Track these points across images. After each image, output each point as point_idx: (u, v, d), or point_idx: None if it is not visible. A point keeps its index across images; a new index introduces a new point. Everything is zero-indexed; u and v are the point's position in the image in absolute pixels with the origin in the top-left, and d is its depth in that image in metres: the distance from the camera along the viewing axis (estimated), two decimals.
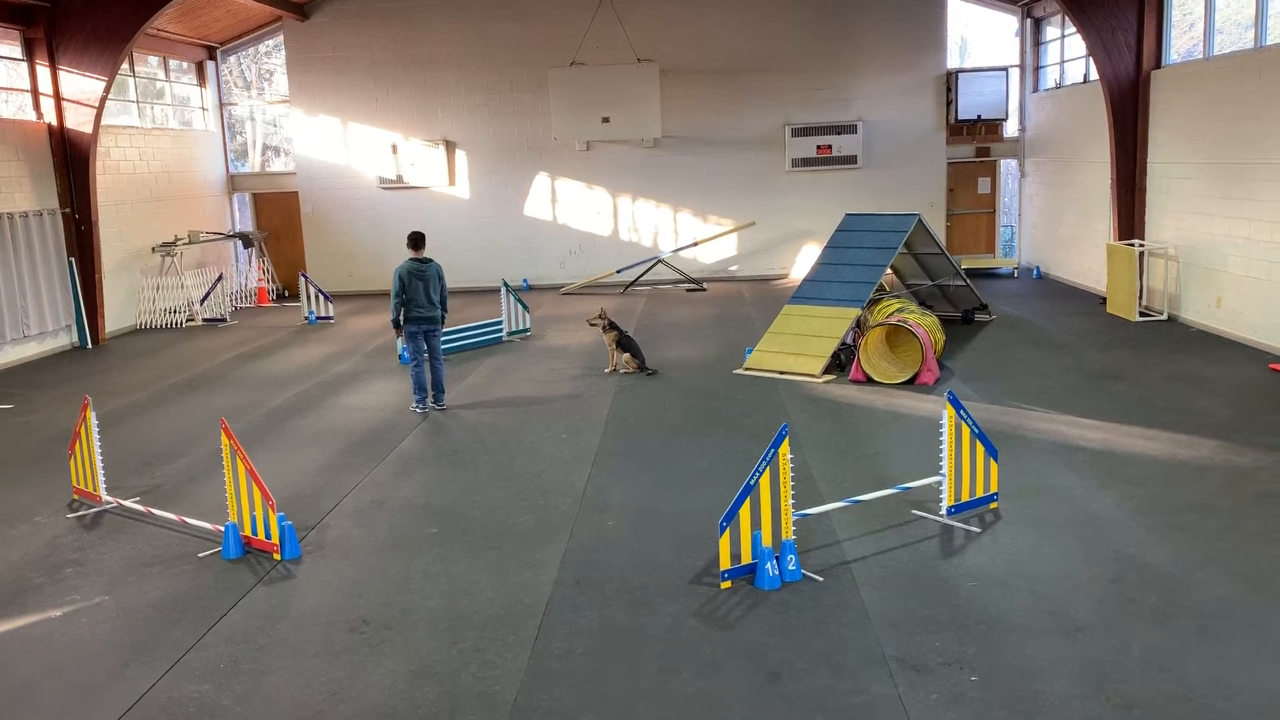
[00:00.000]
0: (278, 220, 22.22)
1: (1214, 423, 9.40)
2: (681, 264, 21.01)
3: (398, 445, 9.78)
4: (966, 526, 7.07)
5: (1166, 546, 6.64)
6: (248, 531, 7.09)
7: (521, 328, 15.62)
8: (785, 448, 6.31)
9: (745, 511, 6.21)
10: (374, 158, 21.55)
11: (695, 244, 21.21)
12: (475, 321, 15.38)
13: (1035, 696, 4.88)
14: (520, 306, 15.73)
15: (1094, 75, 16.43)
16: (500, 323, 15.30)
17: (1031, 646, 5.39)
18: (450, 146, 21.57)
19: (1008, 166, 22.01)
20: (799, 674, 5.20)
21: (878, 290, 13.40)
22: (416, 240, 10.77)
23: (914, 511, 7.33)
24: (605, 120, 20.82)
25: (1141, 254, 14.97)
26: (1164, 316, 14.67)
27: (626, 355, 12.57)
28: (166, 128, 20.12)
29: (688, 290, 20.30)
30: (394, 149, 21.46)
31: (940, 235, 19.34)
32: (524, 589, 6.33)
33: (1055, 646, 5.37)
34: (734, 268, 21.76)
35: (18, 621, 6.19)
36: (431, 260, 10.68)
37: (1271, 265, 12.18)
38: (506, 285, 15.61)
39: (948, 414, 7.02)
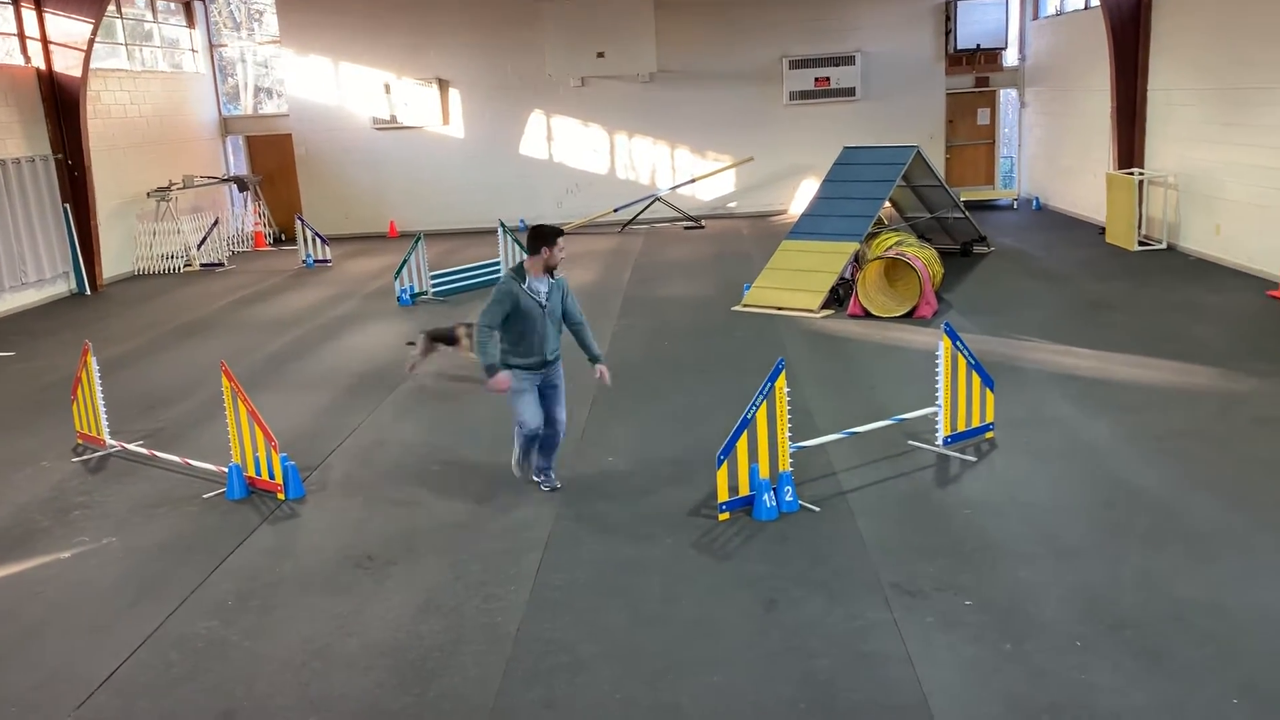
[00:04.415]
0: (272, 163, 22.05)
1: (1210, 350, 9.43)
2: (679, 201, 20.89)
3: (398, 386, 9.84)
4: (962, 456, 7.14)
5: (1159, 472, 6.72)
6: (251, 472, 7.16)
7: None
8: (782, 381, 6.34)
9: (743, 445, 6.26)
10: (367, 98, 21.32)
11: (693, 181, 21.07)
12: (474, 262, 15.33)
13: (1028, 619, 4.98)
14: (518, 246, 15.69)
15: (1095, 1, 16.16)
16: (498, 263, 15.26)
17: (1025, 571, 5.48)
18: (444, 85, 21.32)
19: (1007, 96, 21.77)
20: (795, 601, 5.29)
21: (876, 224, 13.35)
22: (541, 239, 6.43)
23: (910, 442, 7.39)
24: (600, 55, 20.59)
25: (1141, 183, 14.87)
26: (1163, 245, 14.62)
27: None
28: (156, 70, 19.88)
29: (686, 228, 20.21)
30: (387, 88, 21.22)
31: (939, 167, 19.17)
32: (526, 524, 6.42)
33: (1048, 570, 5.46)
34: (732, 204, 21.64)
35: (27, 563, 6.29)
36: (559, 280, 6.63)
37: (1271, 192, 12.10)
38: (503, 225, 15.55)
39: (944, 346, 7.05)
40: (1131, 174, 14.99)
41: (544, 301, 6.46)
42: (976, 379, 7.33)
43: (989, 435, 7.48)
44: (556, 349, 6.67)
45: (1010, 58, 21.17)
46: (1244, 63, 12.66)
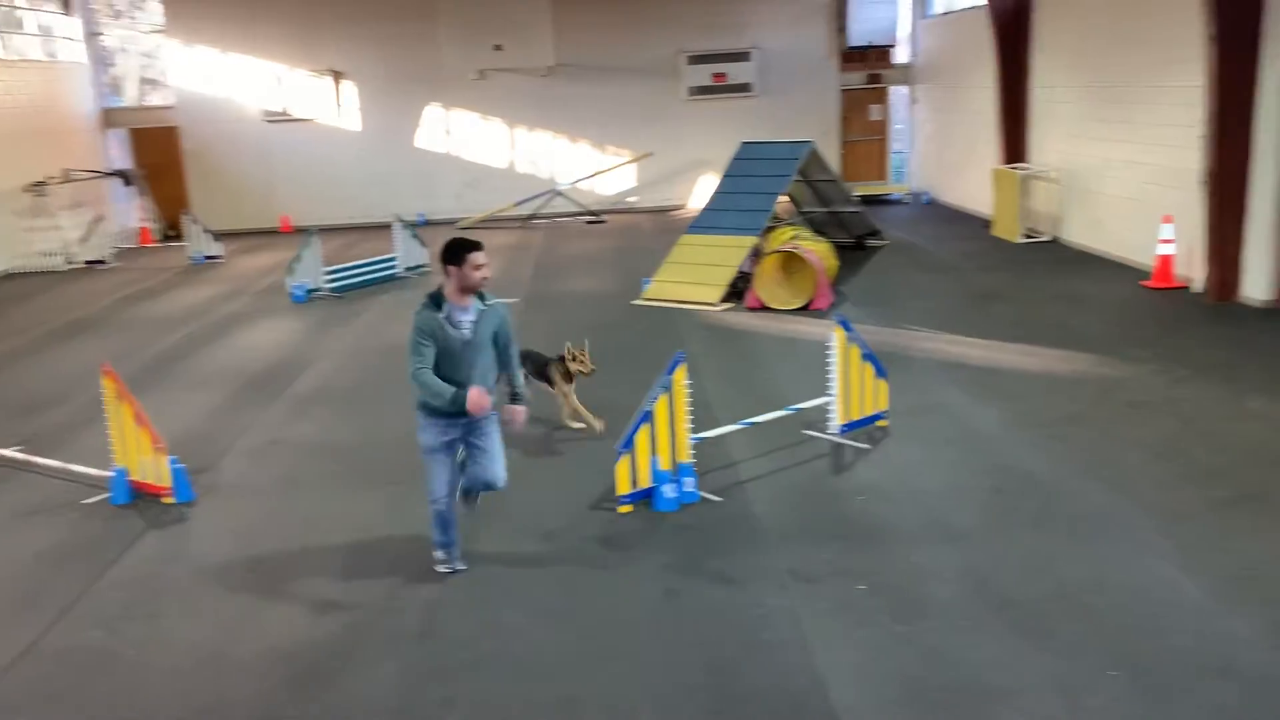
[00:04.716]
0: (158, 157, 21.26)
1: (1089, 338, 9.83)
2: (580, 196, 20.86)
3: (292, 384, 9.60)
4: (856, 444, 7.30)
5: (1044, 456, 6.98)
6: (137, 476, 6.91)
7: (418, 263, 15.36)
8: (681, 374, 6.39)
9: (642, 437, 6.29)
10: (257, 90, 20.73)
11: (593, 175, 21.06)
12: (370, 258, 15.05)
13: (919, 601, 5.12)
14: (416, 241, 15.45)
15: (981, 1, 16.67)
16: (394, 259, 15.01)
17: (917, 554, 5.63)
18: (337, 77, 20.87)
19: (899, 93, 22.31)
20: (696, 590, 5.35)
21: (774, 218, 13.55)
22: (450, 256, 5.18)
23: (806, 431, 7.53)
24: (497, 48, 20.42)
25: (1025, 177, 15.41)
26: (1047, 238, 15.18)
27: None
28: (30, 59, 18.97)
29: (587, 222, 20.20)
30: (278, 80, 20.67)
31: (834, 162, 19.56)
32: (426, 523, 6.32)
33: (939, 554, 5.62)
34: (633, 199, 21.70)
35: None
36: (494, 304, 5.38)
37: (1144, 186, 12.67)
38: (401, 220, 15.30)
39: (837, 337, 7.21)
40: (1016, 169, 15.53)
41: (468, 334, 5.20)
42: (870, 369, 7.51)
43: (882, 423, 7.66)
44: (491, 391, 5.40)
45: (901, 55, 21.69)
46: (1119, 63, 13.22)
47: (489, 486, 5.61)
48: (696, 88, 21.13)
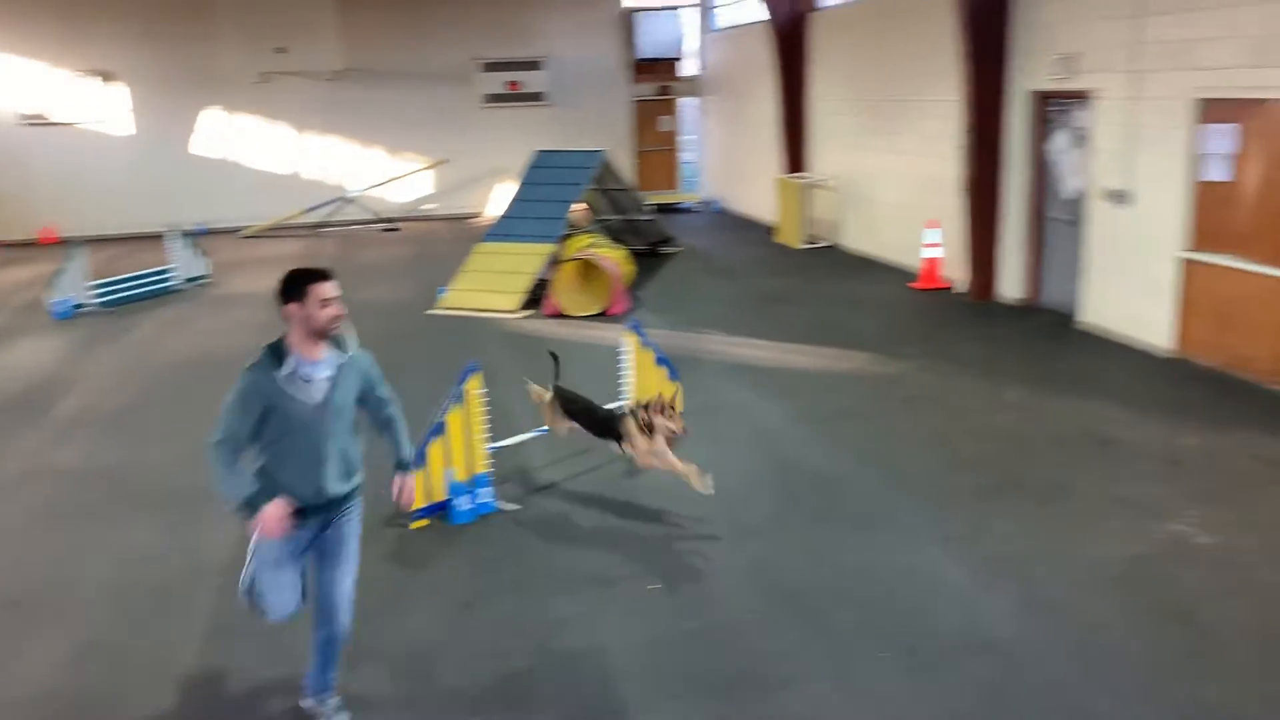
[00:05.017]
0: None
1: (866, 338, 10.41)
2: (374, 204, 20.34)
3: (53, 408, 8.89)
4: None
5: (825, 451, 7.33)
6: None
7: (198, 275, 14.56)
8: (475, 383, 6.33)
9: (435, 449, 6.19)
10: (13, 90, 19.10)
11: (387, 182, 20.59)
12: (145, 270, 14.14)
13: (710, 596, 5.27)
14: (195, 252, 14.64)
15: (763, 16, 17.37)
16: (170, 270, 14.17)
17: (708, 551, 5.80)
18: (107, 78, 19.51)
19: (690, 105, 22.93)
20: (491, 601, 5.31)
21: (572, 226, 13.65)
22: (289, 291, 3.89)
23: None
24: (281, 50, 19.64)
25: (806, 186, 16.16)
26: (827, 244, 15.96)
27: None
28: None
29: (382, 231, 19.72)
30: (38, 80, 19.12)
31: (629, 172, 19.91)
32: (201, 551, 6.00)
33: (729, 550, 5.81)
34: (429, 206, 21.35)
35: None
36: (353, 355, 4.08)
37: (909, 193, 13.54)
38: (177, 229, 14.45)
39: (630, 342, 7.33)
40: (798, 179, 16.26)
41: (321, 395, 3.89)
42: (664, 372, 7.67)
43: None
44: (352, 473, 4.13)
45: (689, 68, 22.31)
46: (887, 78, 14.08)
47: (327, 620, 4.12)
48: (491, 95, 21.04)
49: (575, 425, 6.54)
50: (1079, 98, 10.27)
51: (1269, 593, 5.12)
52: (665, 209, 20.47)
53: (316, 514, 4.04)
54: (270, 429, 3.85)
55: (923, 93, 13.02)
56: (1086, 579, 5.34)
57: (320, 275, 3.87)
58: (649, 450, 6.04)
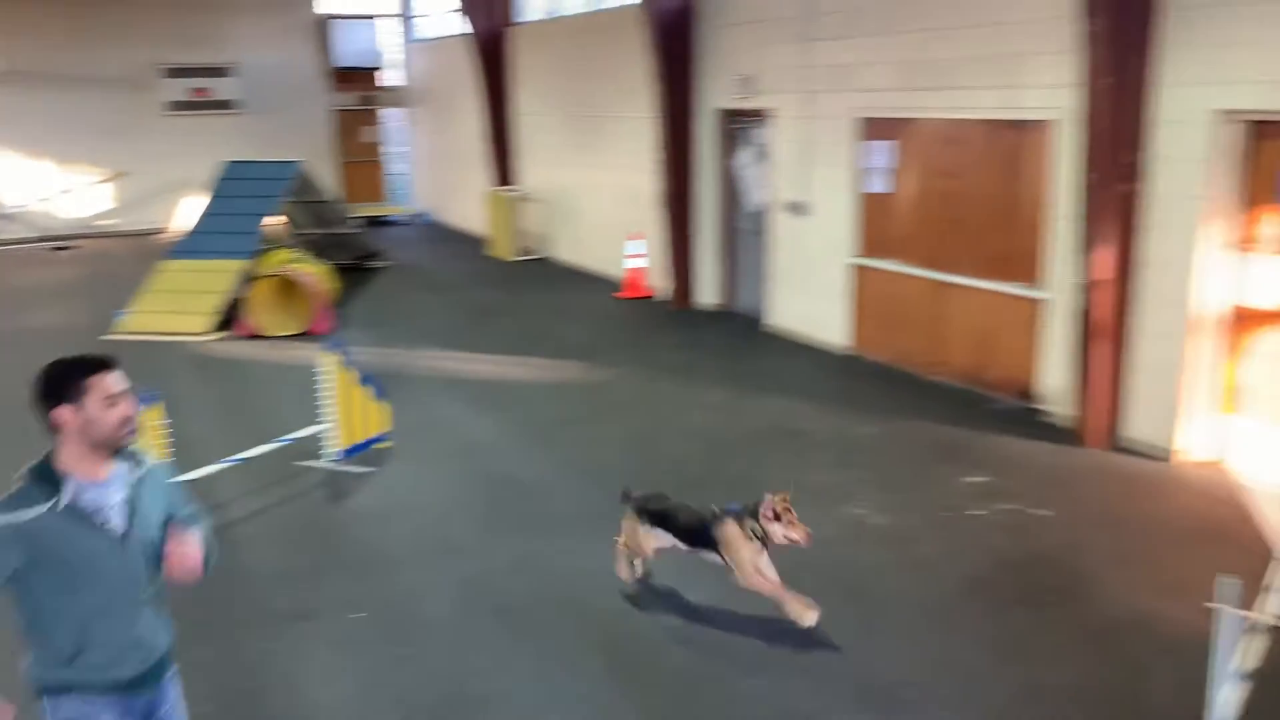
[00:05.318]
0: None
1: (576, 347, 10.62)
2: (42, 220, 18.41)
3: None
4: (356, 469, 7.20)
5: (536, 462, 7.40)
6: None
7: None
8: (153, 414, 5.88)
9: None
10: None
11: (55, 197, 18.70)
12: None
13: (417, 620, 5.17)
14: None
15: (465, 29, 17.31)
16: None
17: (416, 574, 5.68)
18: None
19: (395, 115, 22.47)
20: (183, 648, 4.92)
21: (268, 240, 12.98)
22: (55, 391, 2.82)
23: (301, 463, 7.26)
24: None
25: (515, 199, 16.27)
26: (539, 256, 16.14)
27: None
28: None
29: (53, 249, 17.88)
30: None
31: (332, 183, 19.21)
32: None
33: (438, 570, 5.72)
34: (108, 222, 19.59)
35: None
36: (149, 466, 2.97)
37: (610, 206, 13.97)
38: None
39: (329, 362, 7.07)
40: (507, 191, 16.35)
41: (119, 527, 2.84)
42: (369, 391, 7.46)
43: (384, 445, 7.64)
44: (165, 629, 3.12)
45: (393, 78, 21.87)
46: (587, 93, 14.45)
47: None
48: (175, 103, 19.63)
49: (662, 538, 5.23)
50: (759, 116, 11.00)
51: (929, 565, 5.69)
52: (374, 222, 19.94)
53: (129, 689, 2.96)
54: (42, 585, 2.76)
55: (620, 109, 13.46)
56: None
57: (100, 365, 2.83)
58: (755, 565, 4.88)
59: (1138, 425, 7.33)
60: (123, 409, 2.81)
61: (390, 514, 6.48)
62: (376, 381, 7.52)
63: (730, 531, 4.90)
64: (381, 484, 7.00)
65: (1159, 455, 7.16)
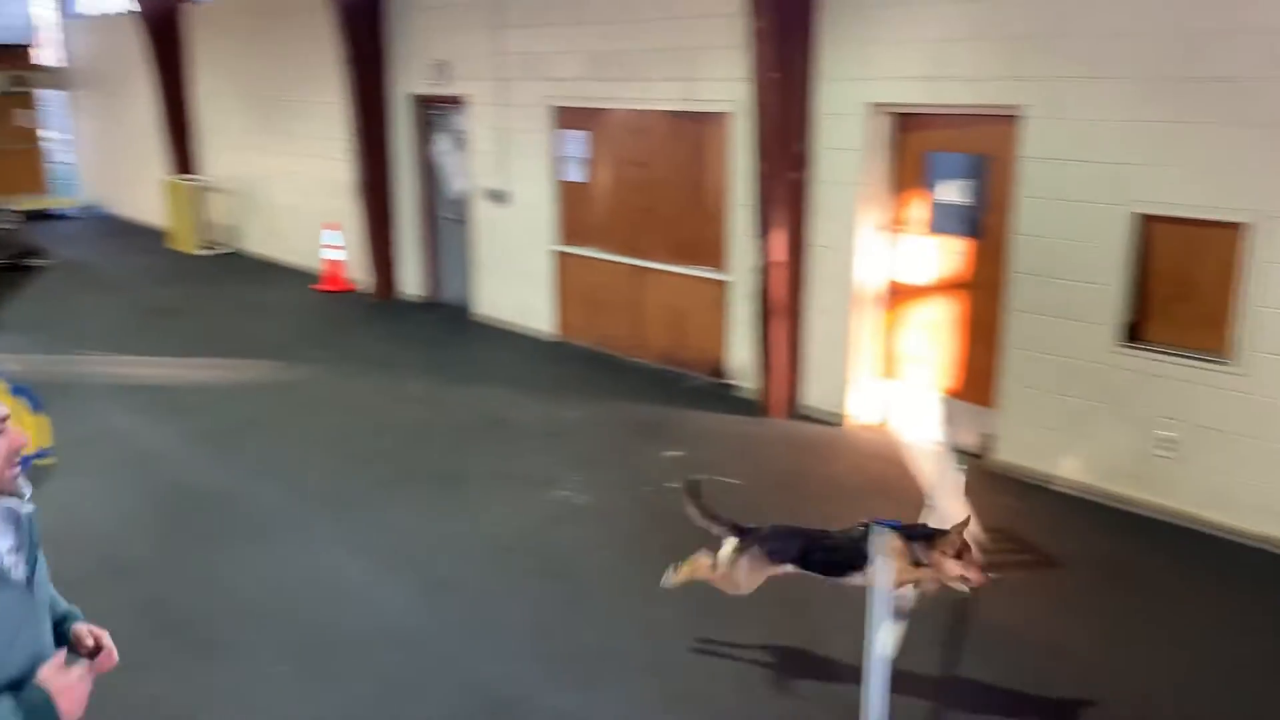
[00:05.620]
0: None
1: (268, 345, 10.07)
2: None
3: None
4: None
5: (221, 468, 6.95)
6: None
7: None
8: None
9: None
10: None
11: None
12: None
13: None
14: None
15: (132, 6, 15.90)
16: None
17: (86, 598, 5.16)
18: None
19: (55, 98, 20.27)
20: None
21: None
22: None
23: None
24: None
25: (198, 189, 15.17)
26: (228, 249, 15.15)
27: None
28: None
29: None
30: None
31: None
32: None
33: (112, 592, 5.23)
34: None
35: None
36: (26, 510, 2.58)
37: (309, 196, 13.34)
38: None
39: None
40: (188, 180, 15.21)
41: (23, 572, 2.40)
42: (23, 403, 6.70)
43: (45, 461, 6.90)
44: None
45: (50, 57, 19.74)
46: (271, 77, 13.69)
47: None
48: None
49: (782, 569, 4.48)
50: (456, 102, 10.88)
51: (629, 542, 5.88)
52: (36, 216, 17.91)
53: None
54: None
55: (309, 94, 12.87)
56: (481, 554, 5.69)
57: None
58: (907, 579, 4.25)
59: (814, 394, 7.94)
60: (18, 435, 2.39)
61: (55, 536, 5.81)
62: (29, 392, 6.77)
63: (893, 543, 4.16)
64: (42, 505, 6.27)
65: (833, 421, 7.79)
